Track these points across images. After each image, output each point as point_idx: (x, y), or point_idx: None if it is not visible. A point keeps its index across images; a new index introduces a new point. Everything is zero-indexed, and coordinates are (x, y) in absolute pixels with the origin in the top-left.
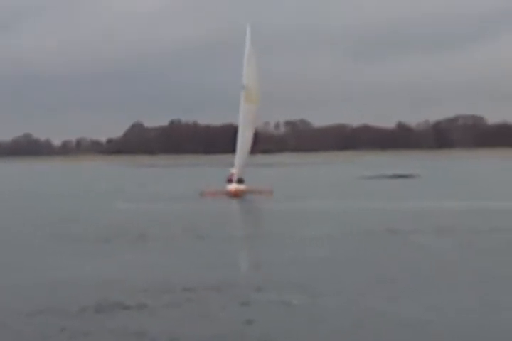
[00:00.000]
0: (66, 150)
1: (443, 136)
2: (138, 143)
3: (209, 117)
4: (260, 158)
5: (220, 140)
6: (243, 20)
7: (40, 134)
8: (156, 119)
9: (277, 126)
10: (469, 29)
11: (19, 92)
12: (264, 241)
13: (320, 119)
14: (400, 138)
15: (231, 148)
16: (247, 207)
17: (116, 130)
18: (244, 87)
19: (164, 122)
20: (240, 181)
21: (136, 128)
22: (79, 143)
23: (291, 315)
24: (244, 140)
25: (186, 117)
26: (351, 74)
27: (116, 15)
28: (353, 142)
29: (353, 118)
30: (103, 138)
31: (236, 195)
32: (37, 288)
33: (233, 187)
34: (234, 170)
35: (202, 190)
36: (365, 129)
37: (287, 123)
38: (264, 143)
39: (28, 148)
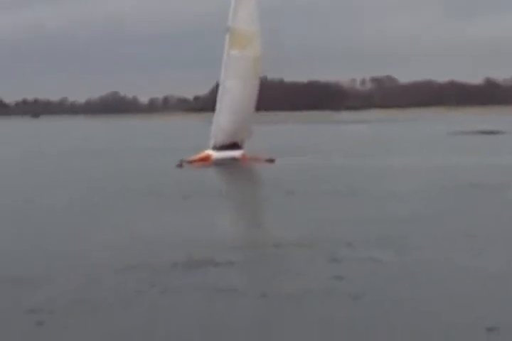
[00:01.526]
0: (153, 107)
1: None
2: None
3: (295, 74)
4: (346, 114)
5: (306, 96)
6: None
7: (127, 92)
8: None
9: (363, 82)
10: None
11: (107, 51)
12: (350, 197)
13: (406, 75)
14: (487, 94)
15: (318, 105)
16: (330, 163)
17: (203, 87)
18: (228, 30)
19: None
20: (233, 146)
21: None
22: (166, 100)
23: (380, 271)
24: (230, 95)
25: (271, 74)
26: (439, 30)
27: None
28: (439, 98)
29: (440, 75)
30: (190, 96)
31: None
32: (125, 244)
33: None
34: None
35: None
36: (452, 85)
37: (373, 80)
38: (350, 100)
39: (115, 105)
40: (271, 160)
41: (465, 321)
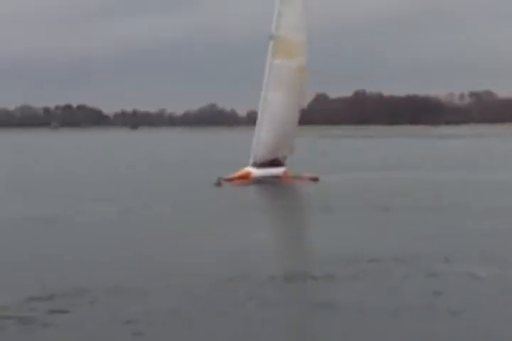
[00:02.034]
0: (251, 120)
1: None
2: (322, 113)
3: (393, 88)
4: (444, 129)
5: (404, 111)
6: None
7: (224, 104)
8: (340, 89)
9: (462, 96)
10: None
11: (204, 63)
12: (445, 212)
13: (505, 90)
14: None
15: (416, 119)
16: (426, 177)
17: None
18: (272, 38)
19: (348, 93)
20: (275, 163)
21: (321, 99)
22: None
23: (479, 287)
24: (272, 108)
25: (371, 88)
26: None
27: None
28: None
29: None
30: None
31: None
32: (222, 255)
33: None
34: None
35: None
36: None
37: (472, 94)
38: (448, 114)
39: (212, 117)
40: (315, 179)
41: None
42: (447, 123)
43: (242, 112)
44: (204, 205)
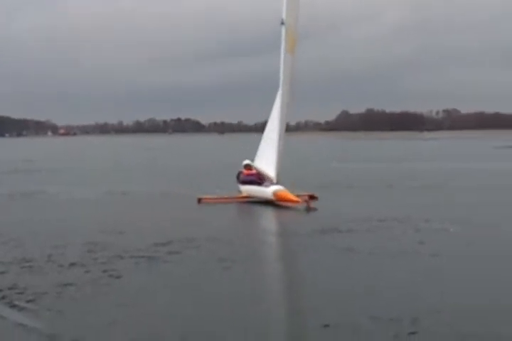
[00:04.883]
0: (297, 128)
1: None
2: (345, 124)
3: (392, 106)
4: (426, 134)
5: (399, 122)
6: None
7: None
8: (356, 108)
9: (437, 112)
10: None
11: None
12: (430, 189)
13: (466, 108)
14: None
15: (407, 127)
16: (416, 166)
17: (330, 115)
18: (284, 23)
19: (362, 110)
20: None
21: (344, 114)
22: (306, 124)
23: (449, 239)
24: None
25: (378, 106)
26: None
27: None
28: (487, 125)
29: (489, 107)
30: (322, 121)
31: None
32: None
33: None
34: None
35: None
36: (497, 116)
37: (444, 111)
38: (428, 124)
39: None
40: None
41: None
42: (428, 130)
43: (292, 123)
44: None
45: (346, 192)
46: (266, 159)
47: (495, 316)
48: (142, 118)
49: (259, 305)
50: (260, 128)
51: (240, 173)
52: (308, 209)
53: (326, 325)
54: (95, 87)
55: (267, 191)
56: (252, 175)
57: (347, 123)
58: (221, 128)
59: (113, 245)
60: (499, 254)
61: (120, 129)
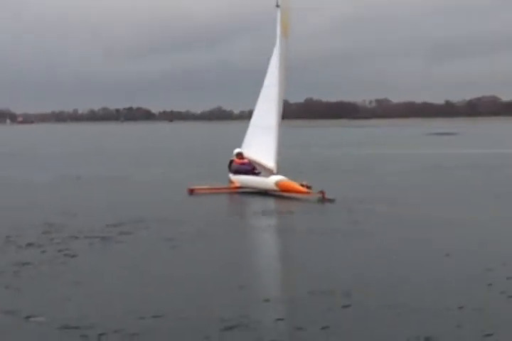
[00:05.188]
0: (240, 117)
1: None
2: (285, 112)
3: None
4: (360, 121)
5: (336, 110)
6: None
7: (228, 107)
8: (296, 97)
9: (370, 102)
10: None
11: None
12: (363, 173)
13: (397, 98)
14: (447, 111)
15: (344, 115)
16: (352, 151)
17: None
18: (279, 6)
19: (301, 100)
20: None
21: (284, 103)
22: (250, 112)
23: (379, 217)
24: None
25: (316, 96)
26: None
27: None
28: (418, 113)
29: (418, 97)
30: None
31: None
32: None
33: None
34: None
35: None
36: (427, 105)
37: (376, 100)
38: (362, 113)
39: (217, 115)
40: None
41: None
42: (361, 118)
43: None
44: None
45: (288, 176)
46: (258, 147)
47: (415, 288)
48: (96, 107)
49: (205, 282)
50: (207, 116)
51: (231, 162)
52: (323, 201)
53: (267, 300)
54: (52, 76)
55: (268, 181)
56: (245, 164)
57: (287, 112)
58: (170, 116)
59: (68, 226)
60: (421, 234)
61: (75, 117)
